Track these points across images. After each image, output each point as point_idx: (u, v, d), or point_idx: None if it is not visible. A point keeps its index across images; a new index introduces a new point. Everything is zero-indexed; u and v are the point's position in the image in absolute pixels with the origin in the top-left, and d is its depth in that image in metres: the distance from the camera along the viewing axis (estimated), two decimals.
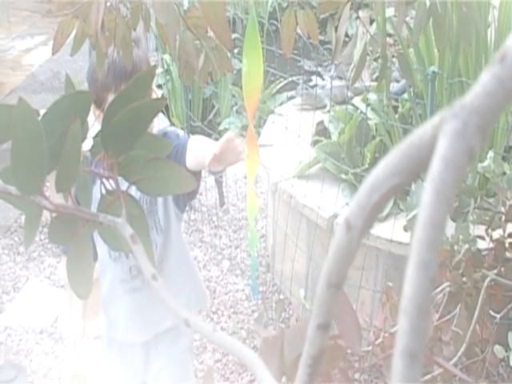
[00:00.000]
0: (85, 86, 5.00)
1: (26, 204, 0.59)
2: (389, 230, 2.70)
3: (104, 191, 0.63)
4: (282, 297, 3.37)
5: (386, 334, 1.66)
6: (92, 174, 0.66)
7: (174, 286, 2.05)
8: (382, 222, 2.78)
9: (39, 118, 0.56)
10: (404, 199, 2.70)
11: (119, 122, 0.58)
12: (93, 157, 0.67)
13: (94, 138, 0.65)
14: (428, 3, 1.56)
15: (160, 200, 1.97)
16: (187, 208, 2.20)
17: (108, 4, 1.41)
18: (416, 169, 0.25)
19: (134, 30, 1.53)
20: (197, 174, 1.90)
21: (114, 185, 0.62)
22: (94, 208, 0.65)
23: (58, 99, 0.59)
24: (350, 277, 2.88)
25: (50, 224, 0.59)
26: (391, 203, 2.79)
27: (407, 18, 2.77)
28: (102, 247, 1.97)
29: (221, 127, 4.45)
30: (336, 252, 0.27)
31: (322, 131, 3.44)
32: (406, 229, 2.28)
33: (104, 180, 0.63)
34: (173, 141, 1.88)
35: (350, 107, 3.31)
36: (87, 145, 0.69)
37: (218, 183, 3.95)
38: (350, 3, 1.57)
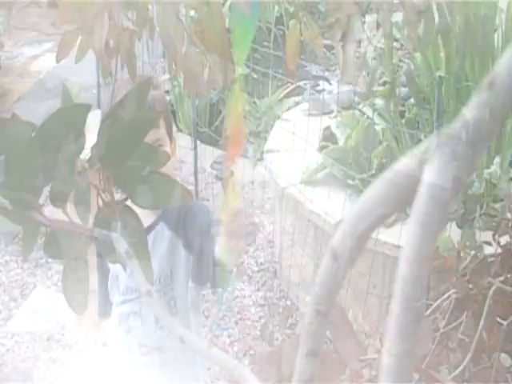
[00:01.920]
0: (91, 93, 5.00)
1: (22, 219, 0.58)
2: (396, 235, 2.68)
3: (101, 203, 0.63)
4: (288, 303, 3.36)
5: None
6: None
7: (188, 373, 1.91)
8: (389, 228, 2.76)
9: (34, 132, 0.55)
10: None
11: (115, 135, 0.58)
12: (90, 168, 0.66)
13: (92, 149, 0.65)
14: (436, 18, 1.54)
15: (180, 279, 1.83)
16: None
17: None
18: (402, 198, 0.24)
19: (139, 40, 1.52)
20: None
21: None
22: None
23: (54, 112, 0.58)
24: (357, 283, 2.86)
25: (45, 239, 0.58)
26: None
27: None
28: (115, 315, 1.90)
29: (227, 133, 4.44)
30: (322, 281, 0.26)
31: (329, 136, 3.43)
32: None
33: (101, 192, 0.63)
34: (199, 217, 1.78)
35: (356, 112, 3.30)
36: (86, 155, 0.68)
37: None
38: (359, 22, 1.54)
